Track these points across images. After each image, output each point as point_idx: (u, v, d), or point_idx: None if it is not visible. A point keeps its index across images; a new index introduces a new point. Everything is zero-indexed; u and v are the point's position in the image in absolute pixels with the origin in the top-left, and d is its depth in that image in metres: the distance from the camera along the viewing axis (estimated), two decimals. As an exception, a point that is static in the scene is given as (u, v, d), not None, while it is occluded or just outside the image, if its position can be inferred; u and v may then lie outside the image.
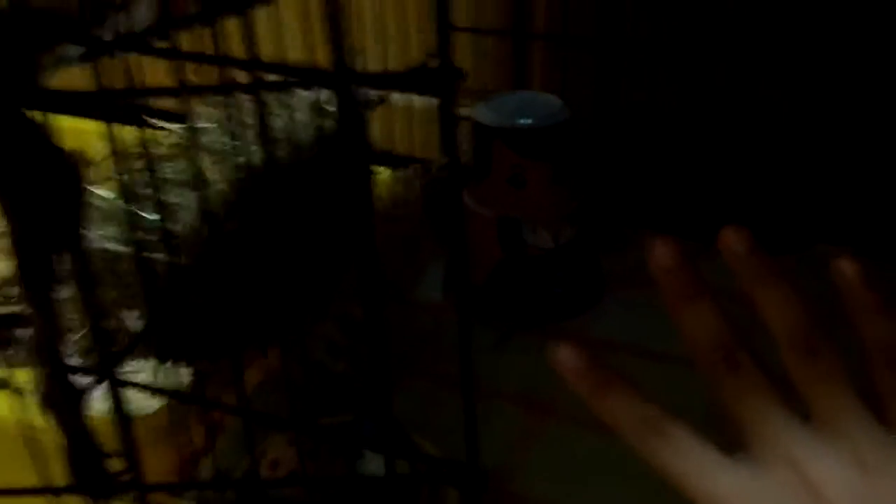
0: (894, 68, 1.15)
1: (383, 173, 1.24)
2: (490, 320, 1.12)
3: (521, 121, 1.07)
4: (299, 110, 1.08)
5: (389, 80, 0.53)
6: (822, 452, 0.34)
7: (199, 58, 0.58)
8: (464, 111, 1.17)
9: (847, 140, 1.19)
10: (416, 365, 1.05)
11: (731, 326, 0.38)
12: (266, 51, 0.52)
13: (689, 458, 0.37)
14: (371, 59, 1.15)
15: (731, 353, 0.37)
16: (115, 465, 0.62)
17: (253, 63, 0.52)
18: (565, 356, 0.40)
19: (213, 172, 0.91)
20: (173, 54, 0.57)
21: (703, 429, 0.41)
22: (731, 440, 0.38)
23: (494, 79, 1.35)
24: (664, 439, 0.38)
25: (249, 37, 0.56)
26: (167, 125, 1.01)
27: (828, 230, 1.21)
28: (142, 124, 0.44)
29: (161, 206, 0.81)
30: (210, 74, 0.55)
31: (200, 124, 0.99)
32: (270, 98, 1.07)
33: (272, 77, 0.53)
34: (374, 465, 0.77)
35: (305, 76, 0.51)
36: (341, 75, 0.47)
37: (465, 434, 0.56)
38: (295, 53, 1.31)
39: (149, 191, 0.79)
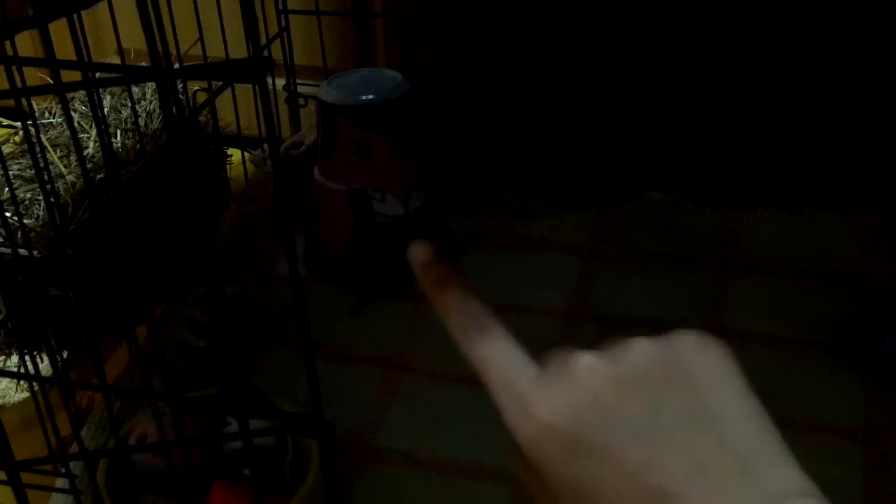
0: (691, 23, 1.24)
1: (236, 155, 1.27)
2: (348, 287, 1.17)
3: (363, 97, 1.12)
4: (147, 99, 1.11)
5: (206, 71, 0.58)
6: (577, 357, 0.40)
7: (30, 61, 0.62)
8: (312, 91, 1.21)
9: (669, 96, 1.28)
10: (280, 335, 1.09)
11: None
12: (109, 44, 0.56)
13: (501, 353, 0.42)
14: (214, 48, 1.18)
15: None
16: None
17: (80, 64, 0.56)
18: (416, 251, 0.45)
19: (61, 166, 0.94)
20: (6, 60, 0.61)
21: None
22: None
23: (341, 59, 1.40)
24: (486, 336, 0.42)
25: (77, 39, 0.60)
26: (14, 123, 1.03)
27: (656, 179, 1.30)
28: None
29: (14, 203, 0.83)
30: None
31: (45, 119, 1.02)
32: (117, 90, 1.10)
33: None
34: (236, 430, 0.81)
35: (127, 73, 0.55)
36: (159, 70, 0.52)
37: (309, 389, 0.62)
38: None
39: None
